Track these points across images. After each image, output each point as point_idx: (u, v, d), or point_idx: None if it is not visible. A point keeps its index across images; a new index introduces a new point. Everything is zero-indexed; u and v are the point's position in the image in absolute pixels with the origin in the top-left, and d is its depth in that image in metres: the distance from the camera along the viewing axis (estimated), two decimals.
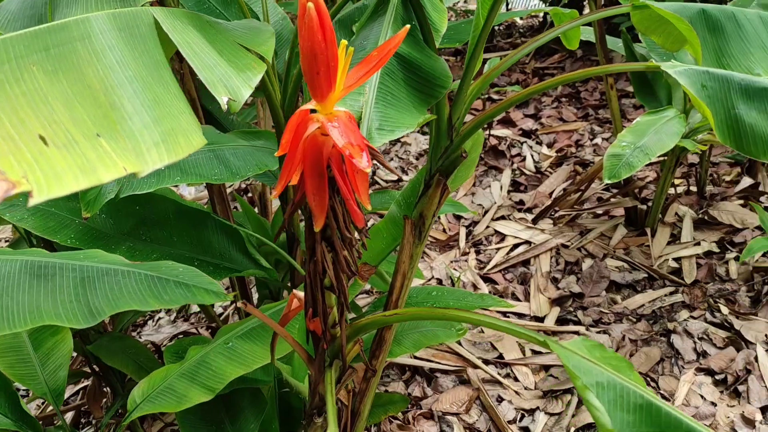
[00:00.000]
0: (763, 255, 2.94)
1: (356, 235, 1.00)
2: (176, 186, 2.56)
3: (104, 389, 2.45)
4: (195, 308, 3.25)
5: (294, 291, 1.14)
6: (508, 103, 1.44)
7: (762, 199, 3.34)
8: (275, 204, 2.85)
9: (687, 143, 2.62)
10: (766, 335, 2.60)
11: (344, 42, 0.80)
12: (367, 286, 3.11)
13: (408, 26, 0.84)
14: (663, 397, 2.46)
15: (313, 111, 0.85)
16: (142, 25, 0.84)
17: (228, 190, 2.92)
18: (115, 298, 1.14)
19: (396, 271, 1.62)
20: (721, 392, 2.44)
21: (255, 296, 2.47)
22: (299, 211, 1.85)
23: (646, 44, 2.70)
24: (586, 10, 5.27)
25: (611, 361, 0.87)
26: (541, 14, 6.17)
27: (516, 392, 2.58)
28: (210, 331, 3.07)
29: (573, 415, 2.43)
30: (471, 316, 1.03)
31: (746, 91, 1.36)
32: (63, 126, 0.60)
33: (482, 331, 2.88)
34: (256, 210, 2.62)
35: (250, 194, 4.12)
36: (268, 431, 1.56)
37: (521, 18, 6.53)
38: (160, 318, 3.25)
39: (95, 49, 0.72)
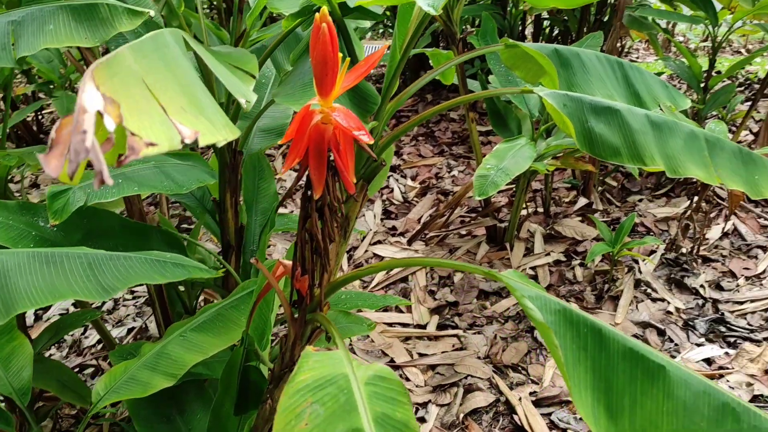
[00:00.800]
0: (602, 260, 3.50)
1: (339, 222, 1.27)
2: None
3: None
4: (89, 342, 3.26)
5: (280, 259, 1.38)
6: (403, 129, 1.77)
7: (596, 215, 3.95)
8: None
9: (538, 166, 3.12)
10: (609, 324, 3.10)
11: (340, 54, 1.09)
12: None
13: (387, 44, 1.14)
14: (533, 381, 2.87)
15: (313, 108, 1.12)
16: (180, 41, 1.08)
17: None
18: (124, 276, 1.31)
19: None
20: None
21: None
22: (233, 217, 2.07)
23: (500, 83, 3.20)
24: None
25: (534, 285, 1.20)
26: None
27: (409, 390, 2.88)
28: (108, 361, 3.10)
29: (460, 404, 2.77)
30: (425, 260, 1.33)
31: (594, 108, 1.78)
32: (185, 103, 0.84)
33: (372, 341, 3.17)
34: None
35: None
36: (219, 414, 1.74)
37: None
38: (52, 355, 3.23)
39: (173, 55, 0.95)
